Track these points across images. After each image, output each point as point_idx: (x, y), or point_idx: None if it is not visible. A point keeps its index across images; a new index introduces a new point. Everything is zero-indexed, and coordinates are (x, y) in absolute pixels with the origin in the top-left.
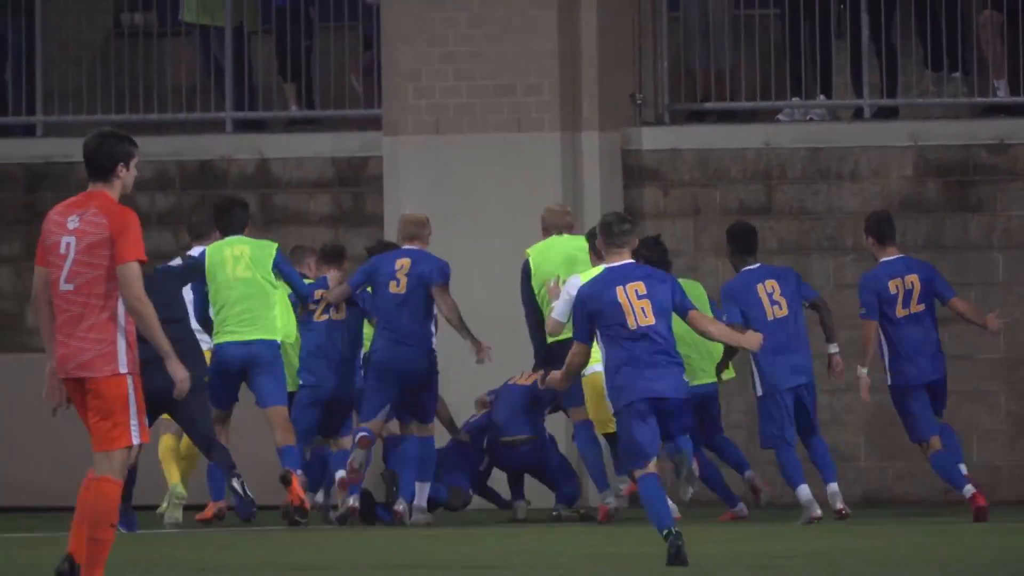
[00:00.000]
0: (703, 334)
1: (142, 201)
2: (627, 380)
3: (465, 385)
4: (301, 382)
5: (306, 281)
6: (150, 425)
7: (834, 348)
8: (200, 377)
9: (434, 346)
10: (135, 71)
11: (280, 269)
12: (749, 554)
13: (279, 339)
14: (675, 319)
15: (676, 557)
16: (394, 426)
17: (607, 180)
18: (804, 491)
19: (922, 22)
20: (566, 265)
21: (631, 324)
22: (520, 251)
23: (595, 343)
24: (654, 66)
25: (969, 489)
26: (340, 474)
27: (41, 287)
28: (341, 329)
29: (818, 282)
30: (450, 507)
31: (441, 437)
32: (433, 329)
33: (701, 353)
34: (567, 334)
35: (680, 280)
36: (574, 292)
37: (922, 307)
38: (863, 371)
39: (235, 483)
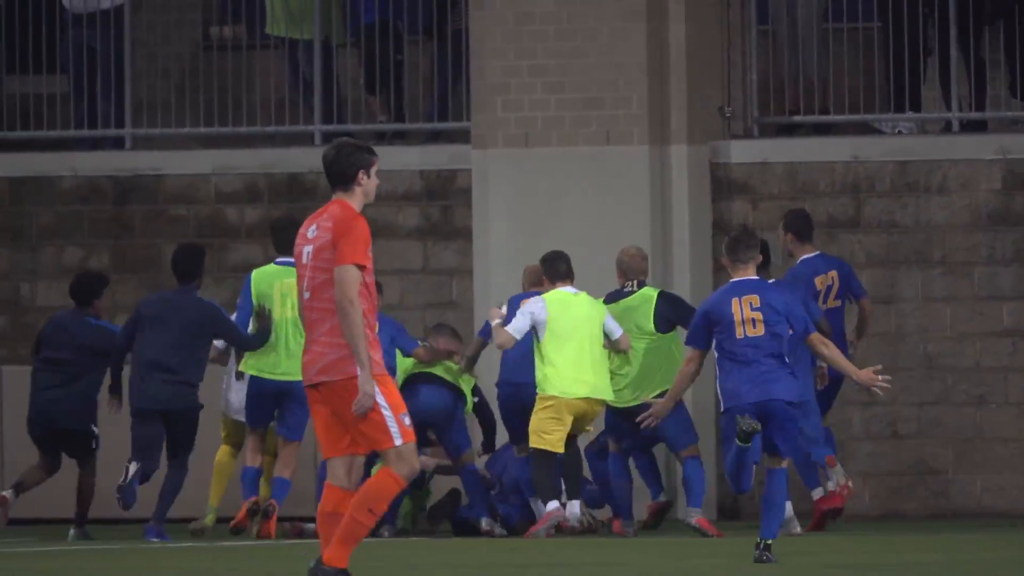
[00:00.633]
0: (817, 355)
1: (231, 214)
2: (735, 386)
3: None
4: None
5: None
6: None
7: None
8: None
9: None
10: (224, 84)
11: None
12: (839, 565)
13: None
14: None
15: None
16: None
17: (696, 193)
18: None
19: (1011, 38)
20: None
21: (739, 334)
22: (608, 264)
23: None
24: (743, 79)
25: (818, 492)
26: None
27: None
28: None
29: (906, 295)
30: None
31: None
32: None
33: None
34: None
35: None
36: (535, 309)
37: (838, 303)
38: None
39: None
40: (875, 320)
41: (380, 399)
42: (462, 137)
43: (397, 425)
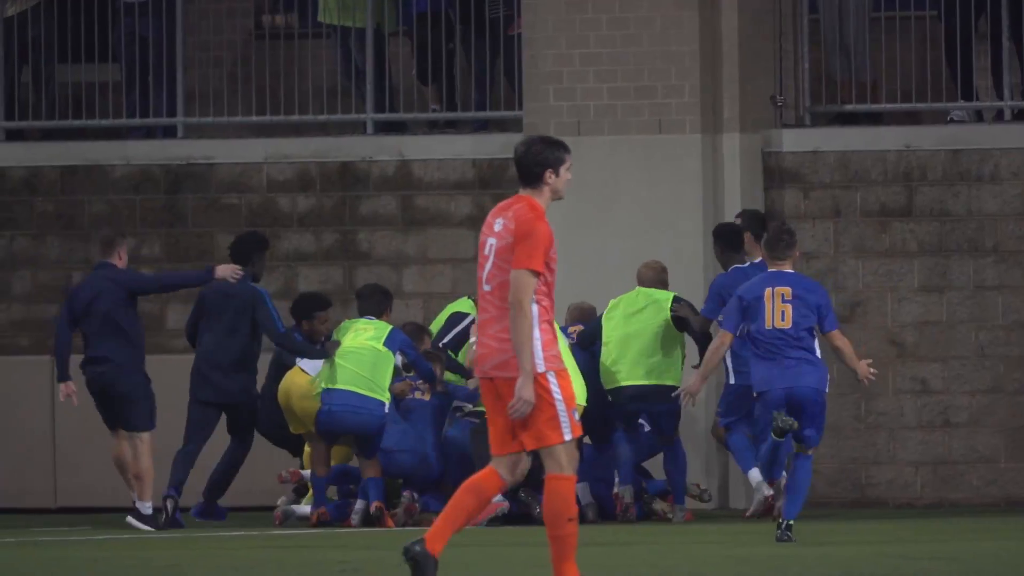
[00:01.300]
0: (833, 349)
1: (283, 203)
2: (764, 373)
3: None
4: None
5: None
6: (112, 429)
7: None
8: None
9: None
10: (275, 72)
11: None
12: (889, 555)
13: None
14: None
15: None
16: None
17: (747, 182)
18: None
19: None
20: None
21: (768, 323)
22: (660, 253)
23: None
24: (795, 68)
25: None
26: None
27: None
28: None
29: (958, 284)
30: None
31: None
32: None
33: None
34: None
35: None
36: None
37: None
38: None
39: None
40: (927, 308)
41: (556, 393)
42: (513, 126)
43: (568, 420)
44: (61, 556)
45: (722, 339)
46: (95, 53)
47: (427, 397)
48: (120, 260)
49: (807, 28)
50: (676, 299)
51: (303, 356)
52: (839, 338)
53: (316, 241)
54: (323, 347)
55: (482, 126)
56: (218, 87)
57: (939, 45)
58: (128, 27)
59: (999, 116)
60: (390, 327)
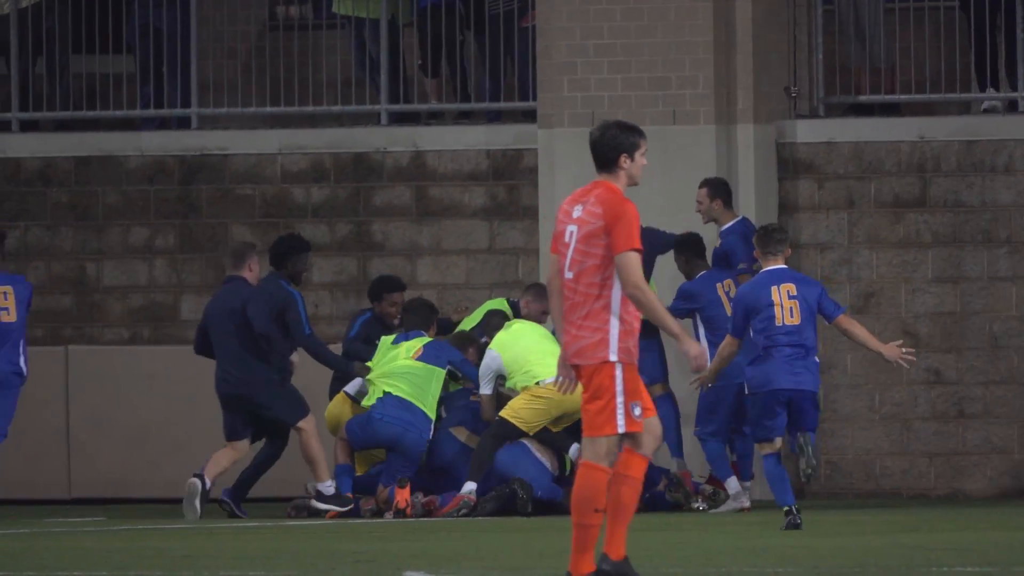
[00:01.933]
0: (846, 334)
1: (297, 194)
2: (769, 370)
3: None
4: None
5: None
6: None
7: None
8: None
9: None
10: (289, 63)
11: None
12: (903, 546)
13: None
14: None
15: (791, 525)
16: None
17: (761, 173)
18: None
19: None
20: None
21: (778, 320)
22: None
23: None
24: (809, 58)
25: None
26: None
27: (553, 274)
28: None
29: (972, 275)
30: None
31: None
32: None
33: None
34: None
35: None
36: (492, 362)
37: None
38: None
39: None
40: (941, 299)
41: (619, 384)
42: (526, 117)
43: (624, 414)
44: (75, 547)
45: (732, 346)
46: (109, 44)
47: (474, 398)
48: (250, 273)
49: (821, 18)
50: None
51: (327, 364)
52: (849, 321)
53: (330, 232)
54: (347, 360)
55: (495, 117)
56: (232, 78)
57: (953, 35)
58: (142, 18)
59: (1012, 107)
60: (438, 342)
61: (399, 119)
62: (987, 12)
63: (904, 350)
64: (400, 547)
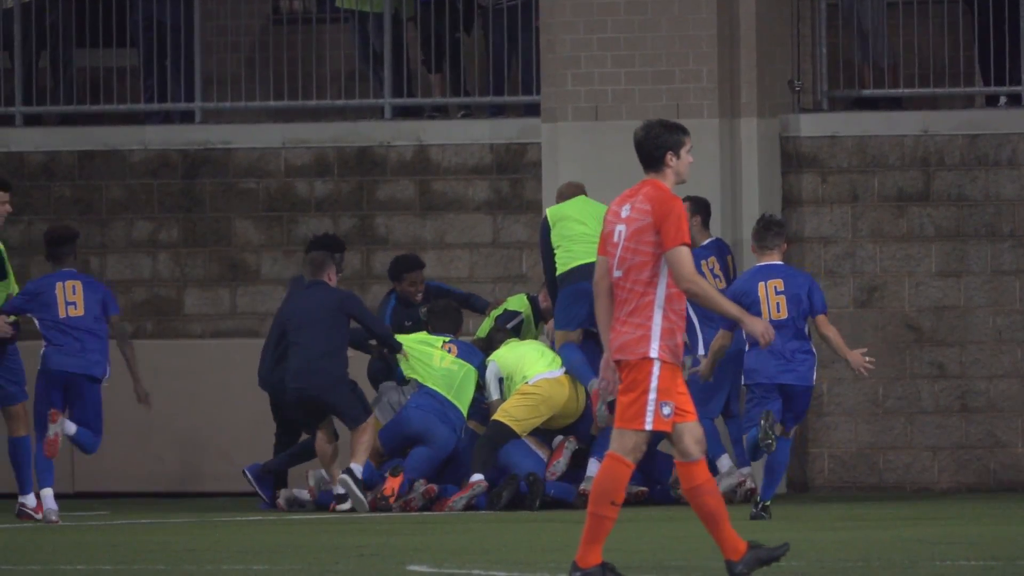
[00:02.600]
0: (823, 338)
1: (300, 187)
2: (758, 364)
3: None
4: None
5: None
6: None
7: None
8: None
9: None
10: (293, 57)
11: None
12: (906, 540)
13: None
14: None
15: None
16: None
17: (765, 166)
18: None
19: None
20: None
21: (763, 316)
22: None
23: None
24: (812, 52)
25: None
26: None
27: (601, 275)
28: None
29: (975, 268)
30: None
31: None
32: None
33: None
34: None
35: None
36: (493, 370)
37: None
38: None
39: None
40: (945, 293)
41: (654, 382)
42: (530, 111)
43: (654, 412)
44: (79, 541)
45: (724, 339)
46: (113, 38)
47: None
48: (331, 280)
49: (825, 12)
50: None
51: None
52: (825, 325)
53: (334, 226)
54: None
55: (498, 111)
56: (236, 72)
57: (957, 29)
58: (146, 12)
59: (1016, 101)
60: (467, 344)
61: (403, 113)
62: (991, 5)
63: (867, 359)
64: (404, 541)
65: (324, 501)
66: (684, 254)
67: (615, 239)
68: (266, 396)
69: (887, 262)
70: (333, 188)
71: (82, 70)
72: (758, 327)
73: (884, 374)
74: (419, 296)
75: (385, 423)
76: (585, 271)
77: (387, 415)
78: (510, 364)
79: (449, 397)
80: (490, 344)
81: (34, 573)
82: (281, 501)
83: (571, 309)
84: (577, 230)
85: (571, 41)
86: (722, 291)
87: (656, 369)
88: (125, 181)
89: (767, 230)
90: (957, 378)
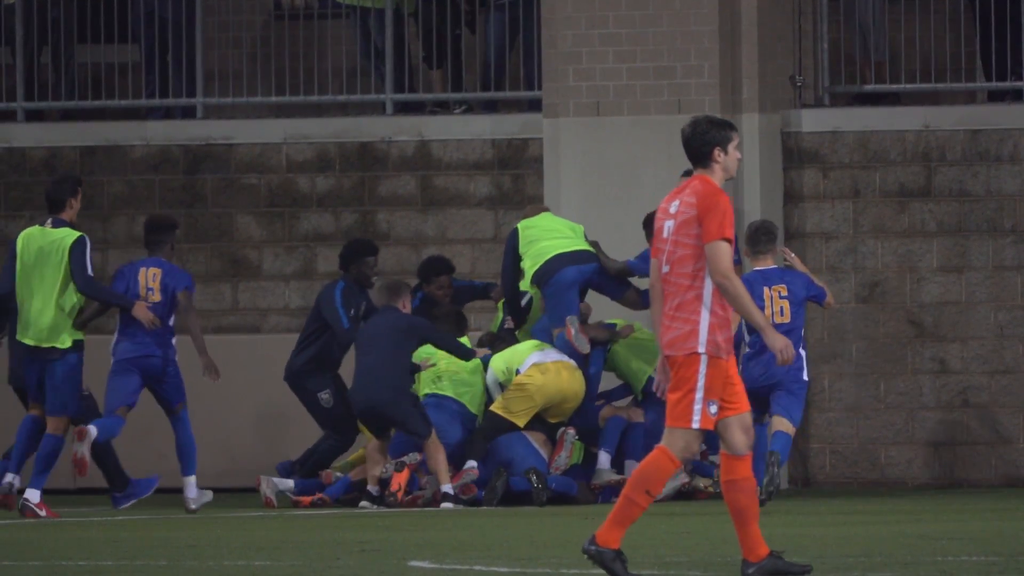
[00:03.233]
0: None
1: (302, 183)
2: (753, 370)
3: None
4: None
5: None
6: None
7: None
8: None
9: None
10: (295, 53)
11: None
12: (907, 535)
13: None
14: None
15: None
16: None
17: (767, 162)
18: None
19: None
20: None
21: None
22: None
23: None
24: (814, 48)
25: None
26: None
27: (655, 278)
28: None
29: (977, 264)
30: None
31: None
32: None
33: None
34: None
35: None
36: (490, 376)
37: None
38: None
39: None
40: (946, 289)
41: (701, 379)
42: (532, 106)
43: (701, 410)
44: (82, 536)
45: None
46: (114, 34)
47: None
48: (404, 308)
49: (826, 8)
50: (593, 244)
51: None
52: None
53: (335, 221)
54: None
55: (492, 106)
56: (237, 67)
57: (959, 24)
58: (148, 7)
59: (1017, 96)
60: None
61: (404, 108)
62: (992, 0)
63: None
64: (405, 537)
65: (334, 493)
66: (723, 248)
67: (664, 235)
68: (265, 391)
69: (888, 258)
70: (335, 184)
71: (83, 66)
72: (778, 343)
73: (885, 370)
74: (447, 299)
75: None
76: (564, 258)
77: None
78: (504, 364)
79: (458, 398)
80: (495, 341)
81: (35, 569)
82: (267, 490)
83: (561, 301)
84: (547, 233)
85: (572, 36)
86: None
87: (703, 367)
88: (126, 176)
89: (757, 236)
90: (959, 373)
